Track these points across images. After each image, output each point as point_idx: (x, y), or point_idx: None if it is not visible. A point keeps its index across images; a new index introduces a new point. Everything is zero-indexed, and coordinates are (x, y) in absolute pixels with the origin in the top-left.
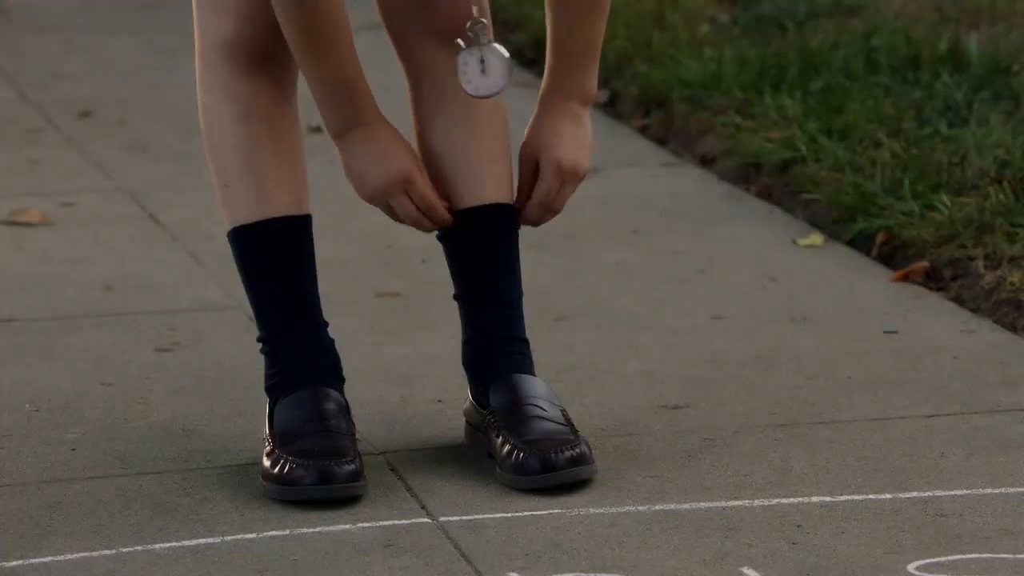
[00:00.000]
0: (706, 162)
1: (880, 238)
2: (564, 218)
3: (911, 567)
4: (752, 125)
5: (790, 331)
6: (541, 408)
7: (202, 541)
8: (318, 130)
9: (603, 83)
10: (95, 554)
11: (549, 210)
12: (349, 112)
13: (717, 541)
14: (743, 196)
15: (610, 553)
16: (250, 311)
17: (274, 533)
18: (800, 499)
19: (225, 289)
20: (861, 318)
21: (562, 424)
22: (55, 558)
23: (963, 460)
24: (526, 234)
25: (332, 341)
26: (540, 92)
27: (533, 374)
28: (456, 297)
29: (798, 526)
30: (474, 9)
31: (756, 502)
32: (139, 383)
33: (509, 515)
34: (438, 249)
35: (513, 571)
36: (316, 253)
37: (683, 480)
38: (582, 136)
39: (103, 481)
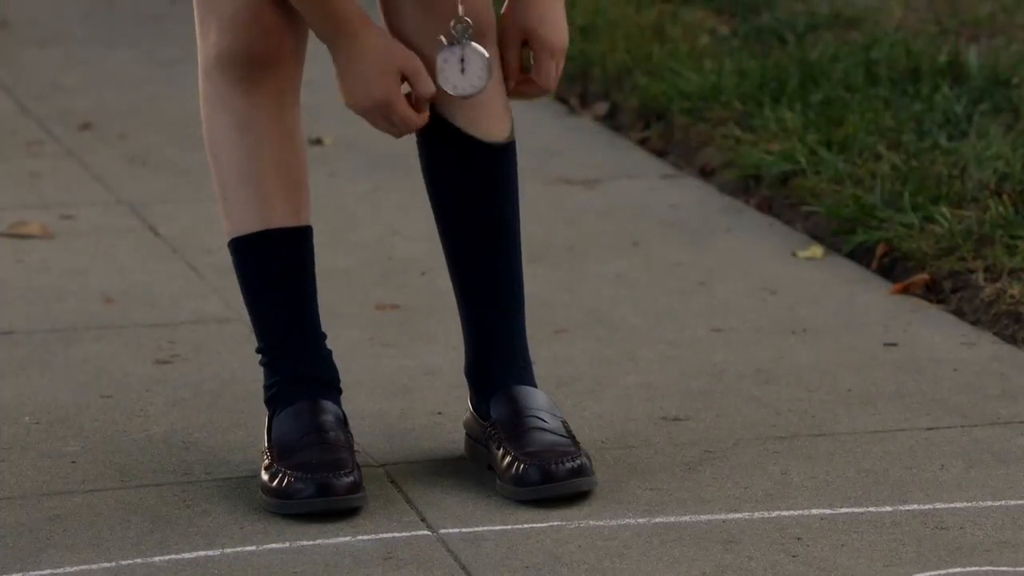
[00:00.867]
0: (706, 174)
1: (880, 250)
2: (564, 230)
3: None
4: (752, 137)
5: (790, 343)
6: (542, 420)
7: (202, 554)
8: (318, 142)
9: (603, 95)
10: (95, 567)
11: (547, 89)
12: (331, 23)
13: (717, 554)
14: (743, 208)
15: (610, 566)
16: (250, 323)
17: (274, 546)
18: (800, 511)
19: (225, 301)
20: (861, 330)
21: (563, 436)
22: (55, 571)
23: (963, 472)
24: (525, 247)
25: (330, 352)
26: None
27: (534, 385)
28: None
29: (798, 539)
30: (460, 8)
31: (756, 514)
32: (139, 395)
33: (509, 527)
34: (438, 261)
35: None
36: (316, 264)
37: (683, 492)
38: (561, 11)
39: (103, 494)
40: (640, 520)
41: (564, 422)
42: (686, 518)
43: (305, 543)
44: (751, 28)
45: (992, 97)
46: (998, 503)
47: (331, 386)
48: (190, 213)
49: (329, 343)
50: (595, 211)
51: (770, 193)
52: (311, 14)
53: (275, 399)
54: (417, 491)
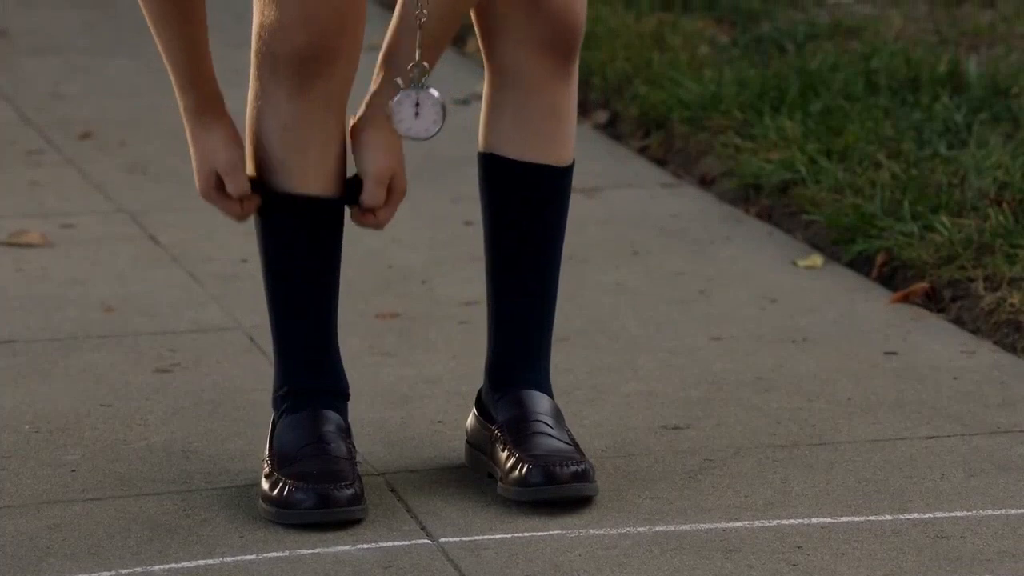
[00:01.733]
0: (706, 183)
1: (880, 259)
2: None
3: None
4: (752, 146)
5: (790, 352)
6: (548, 426)
7: (201, 562)
8: None
9: (604, 104)
10: None
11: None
12: (190, 97)
13: (718, 562)
14: (743, 217)
15: (610, 574)
16: (250, 332)
17: (274, 554)
18: (800, 520)
19: (225, 310)
20: (861, 339)
21: (568, 444)
22: None
23: (964, 481)
24: None
25: (339, 356)
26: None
27: (550, 395)
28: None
29: (798, 547)
30: (417, 52)
31: (756, 523)
32: (139, 404)
33: (509, 536)
34: (438, 270)
35: None
36: None
37: (683, 501)
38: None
39: (102, 503)
40: (640, 529)
41: (570, 432)
42: (686, 527)
43: (305, 552)
44: (751, 37)
45: (992, 107)
46: (998, 512)
47: (338, 395)
48: (190, 222)
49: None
50: (595, 220)
51: (770, 202)
52: (173, 75)
53: (280, 401)
54: (417, 500)
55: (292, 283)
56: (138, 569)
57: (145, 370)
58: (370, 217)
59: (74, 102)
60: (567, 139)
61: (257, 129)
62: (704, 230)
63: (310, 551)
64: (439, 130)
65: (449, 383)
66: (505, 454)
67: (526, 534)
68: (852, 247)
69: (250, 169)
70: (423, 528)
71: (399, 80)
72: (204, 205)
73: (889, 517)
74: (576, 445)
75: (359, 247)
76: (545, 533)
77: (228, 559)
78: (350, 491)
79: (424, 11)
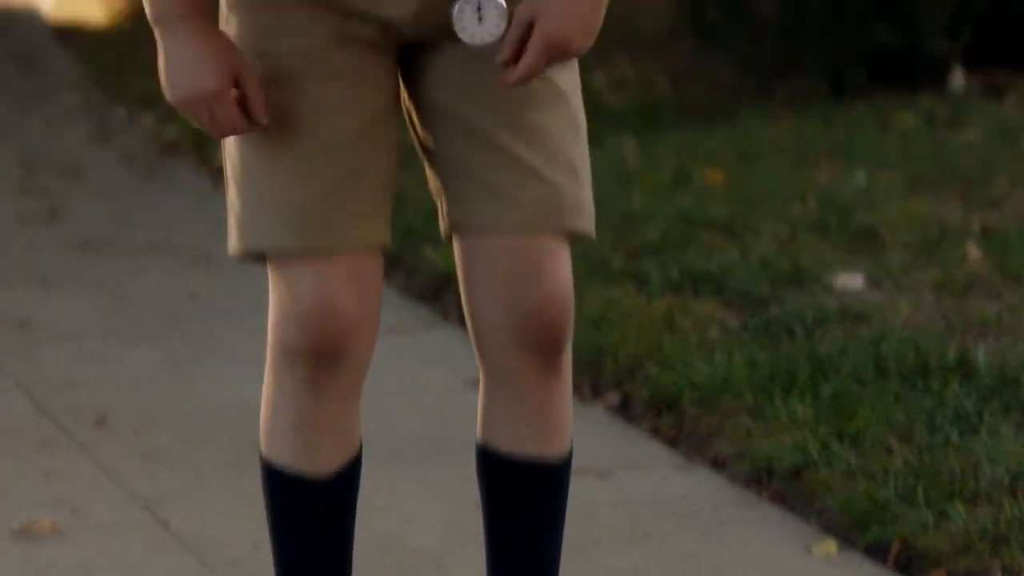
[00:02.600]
0: (717, 465)
1: (896, 547)
2: (576, 521)
3: None
4: (763, 429)
5: None
6: None
7: None
8: None
9: (615, 386)
10: None
11: (528, 79)
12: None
13: None
14: (755, 500)
15: None
16: None
17: None
18: None
19: None
20: None
21: None
22: None
23: None
24: None
25: None
26: None
27: None
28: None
29: None
30: None
31: None
32: None
33: None
34: (454, 552)
35: None
36: None
37: None
38: (586, 8)
39: None
40: None
41: None
42: None
43: None
44: (760, 321)
45: (1001, 395)
46: None
47: None
48: (202, 508)
49: None
50: (607, 503)
51: (782, 485)
52: None
53: None
54: None
55: (303, 565)
56: None
57: None
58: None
59: (89, 389)
60: (561, 432)
61: (271, 420)
62: (716, 513)
63: None
64: (502, 34)
65: None
66: None
67: None
68: (867, 533)
69: (263, 449)
70: None
71: None
72: (216, 491)
73: None
74: None
75: (372, 528)
76: None
77: None
78: None
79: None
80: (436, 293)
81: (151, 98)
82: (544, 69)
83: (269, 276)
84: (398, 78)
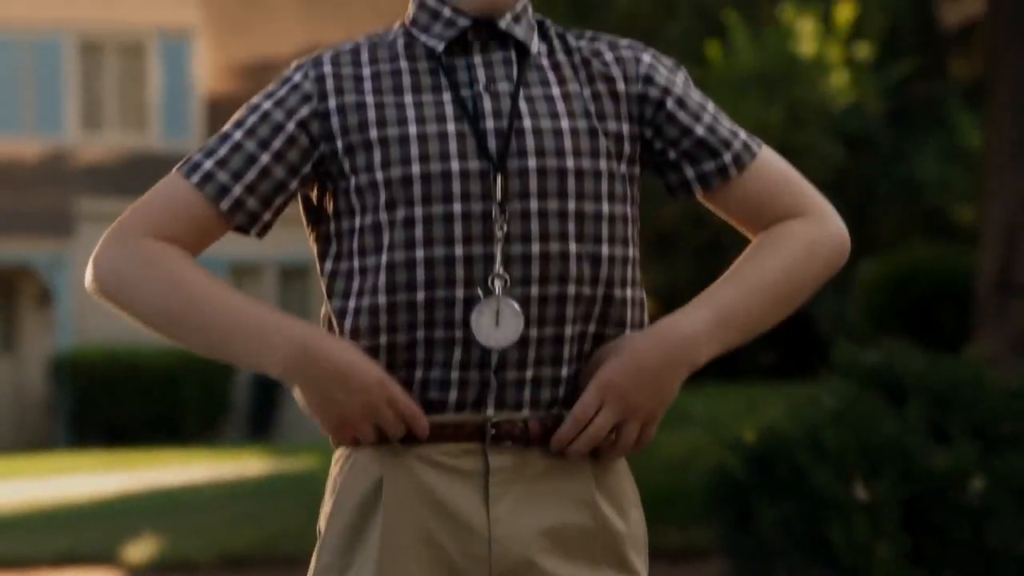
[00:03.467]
0: None
1: None
2: None
3: None
4: None
5: None
6: None
7: None
8: None
9: None
10: None
11: (584, 436)
12: (279, 337)
13: None
14: None
15: None
16: None
17: None
18: None
19: None
20: None
21: None
22: None
23: None
24: None
25: None
26: None
27: None
28: None
29: None
30: (497, 263)
31: None
32: None
33: None
34: None
35: None
36: None
37: None
38: (652, 368)
39: None
40: None
41: None
42: None
43: None
44: None
45: None
46: None
47: None
48: None
49: None
50: None
51: None
52: (261, 345)
53: None
54: None
55: None
56: None
57: None
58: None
59: None
60: None
61: None
62: None
63: None
64: (517, 339)
65: None
66: None
67: None
68: None
69: None
70: None
71: (479, 290)
72: None
73: None
74: None
75: None
76: None
77: None
78: None
79: (505, 226)
80: None
81: None
82: (612, 431)
83: None
84: None
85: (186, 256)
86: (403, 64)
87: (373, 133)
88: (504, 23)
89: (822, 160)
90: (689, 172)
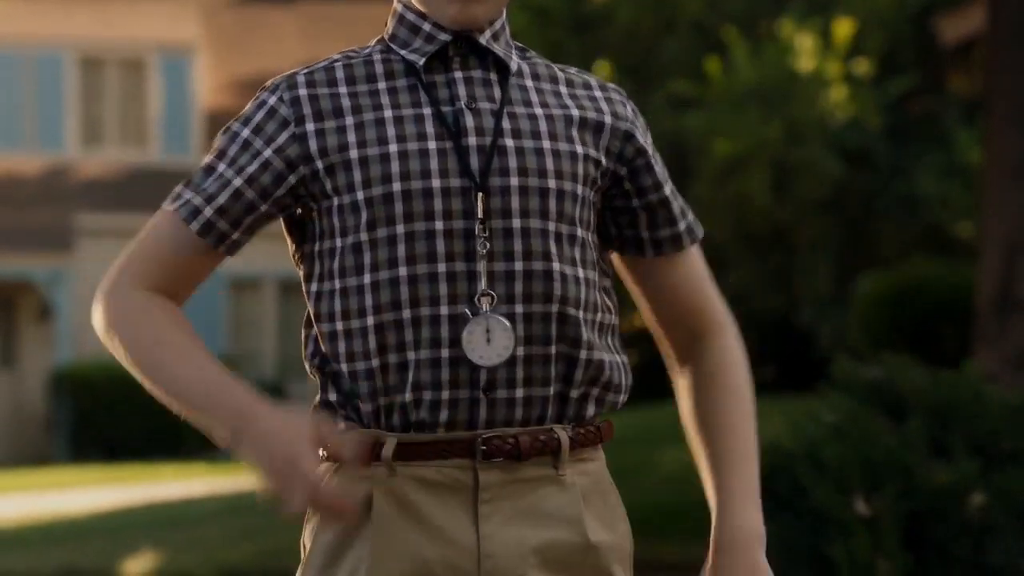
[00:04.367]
0: None
1: None
2: None
3: None
4: None
5: None
6: None
7: None
8: None
9: None
10: None
11: None
12: (229, 408)
13: None
14: None
15: None
16: None
17: None
18: None
19: None
20: None
21: None
22: None
23: None
24: None
25: None
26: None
27: None
28: None
29: None
30: (482, 282)
31: None
32: None
33: None
34: None
35: None
36: None
37: None
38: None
39: None
40: None
41: None
42: None
43: None
44: None
45: None
46: None
47: None
48: None
49: None
50: None
51: None
52: (202, 393)
53: None
54: None
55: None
56: None
57: None
58: None
59: None
60: None
61: None
62: None
63: None
64: (509, 355)
65: None
66: None
67: None
68: None
69: None
70: None
71: (466, 310)
72: None
73: None
74: None
75: None
76: None
77: None
78: None
79: (488, 243)
80: None
81: None
82: None
83: None
84: None
85: (166, 312)
86: (382, 84)
87: (353, 154)
88: (484, 39)
89: (821, 176)
90: (644, 233)
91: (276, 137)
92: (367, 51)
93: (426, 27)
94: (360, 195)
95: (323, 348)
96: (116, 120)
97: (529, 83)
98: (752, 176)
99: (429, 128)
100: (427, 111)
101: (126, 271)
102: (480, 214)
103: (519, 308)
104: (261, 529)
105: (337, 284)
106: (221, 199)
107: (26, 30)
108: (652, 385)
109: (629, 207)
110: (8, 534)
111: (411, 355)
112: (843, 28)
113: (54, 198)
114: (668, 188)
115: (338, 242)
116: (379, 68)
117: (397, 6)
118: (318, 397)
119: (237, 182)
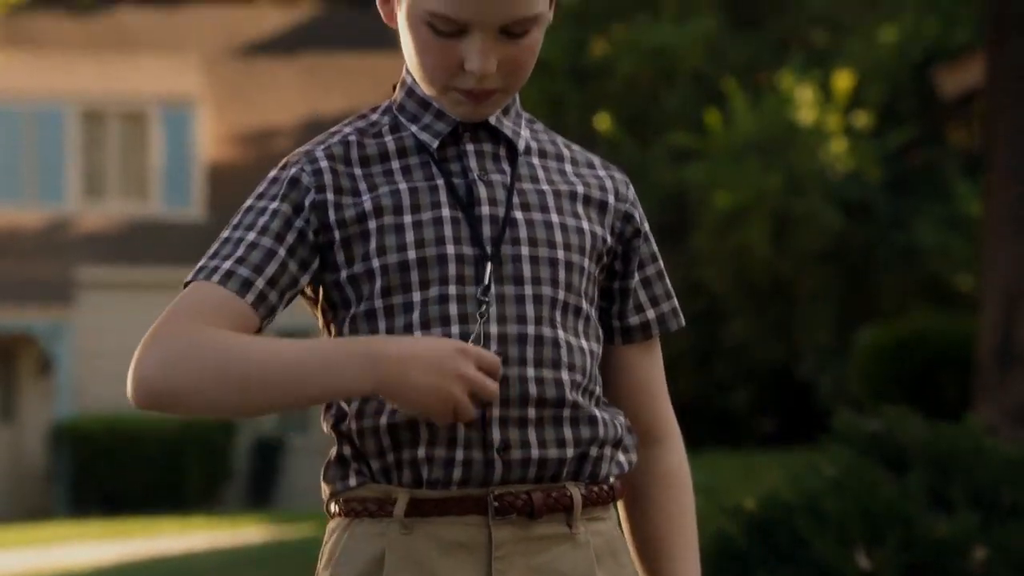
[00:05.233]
0: None
1: None
2: None
3: None
4: None
5: None
6: None
7: None
8: None
9: None
10: None
11: None
12: (344, 361)
13: None
14: None
15: None
16: None
17: None
18: None
19: None
20: None
21: None
22: None
23: None
24: None
25: None
26: None
27: None
28: None
29: None
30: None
31: None
32: None
33: None
34: None
35: None
36: None
37: None
38: None
39: None
40: None
41: None
42: None
43: None
44: None
45: None
46: None
47: None
48: None
49: None
50: None
51: None
52: (343, 369)
53: None
54: None
55: None
56: None
57: None
58: None
59: None
60: None
61: None
62: None
63: None
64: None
65: None
66: None
67: None
68: None
69: None
70: None
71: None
72: None
73: None
74: None
75: None
76: None
77: None
78: None
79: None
80: None
81: None
82: None
83: None
84: None
85: (221, 329)
86: (395, 164)
87: (371, 224)
88: (494, 119)
89: (821, 227)
90: (616, 322)
91: (303, 205)
92: (375, 121)
93: (436, 104)
94: (375, 263)
95: (339, 403)
96: (117, 172)
97: (536, 160)
98: (752, 227)
99: (442, 198)
100: (440, 182)
101: (161, 327)
102: (491, 280)
103: (530, 372)
104: None
105: None
106: (270, 270)
107: (28, 85)
108: None
109: (625, 288)
110: None
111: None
112: (843, 80)
113: (55, 251)
114: (653, 269)
115: (351, 310)
116: (391, 146)
117: (406, 77)
118: (333, 451)
119: (282, 252)
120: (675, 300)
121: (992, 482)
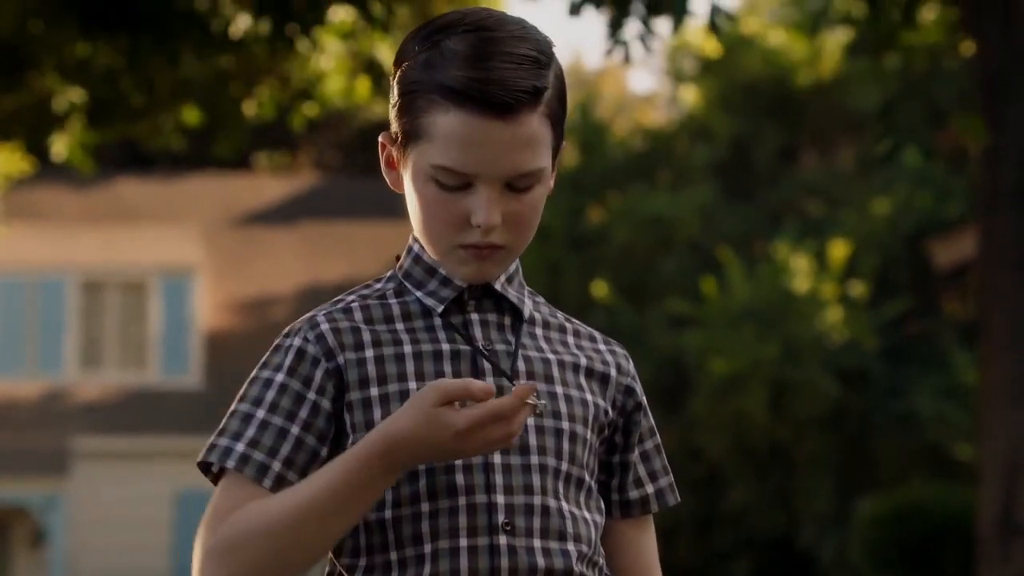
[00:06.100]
0: None
1: None
2: None
3: None
4: None
5: None
6: None
7: None
8: None
9: None
10: None
11: None
12: (368, 465)
13: None
14: None
15: None
16: None
17: None
18: None
19: None
20: None
21: None
22: None
23: None
24: None
25: None
26: None
27: None
28: None
29: None
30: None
31: None
32: None
33: None
34: None
35: None
36: None
37: None
38: None
39: None
40: None
41: None
42: None
43: None
44: None
45: None
46: None
47: None
48: None
49: None
50: None
51: None
52: (358, 486)
53: None
54: None
55: None
56: None
57: None
58: None
59: None
60: None
61: None
62: None
63: None
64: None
65: None
66: None
67: None
68: None
69: None
70: None
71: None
72: None
73: None
74: None
75: None
76: None
77: None
78: None
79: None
80: None
81: None
82: None
83: None
84: None
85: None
86: (400, 325)
87: (373, 391)
88: (498, 285)
89: (818, 395)
90: (615, 495)
91: (313, 377)
92: (379, 289)
93: (442, 270)
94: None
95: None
96: (115, 341)
97: (539, 331)
98: (750, 394)
99: (447, 367)
100: (445, 347)
101: (205, 534)
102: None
103: (537, 543)
104: None
105: None
106: (284, 450)
107: (30, 256)
108: None
109: (624, 462)
110: None
111: (424, 507)
112: (838, 250)
113: (51, 422)
114: (651, 443)
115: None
116: (396, 310)
117: (413, 245)
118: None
119: (295, 430)
120: (671, 476)
121: None
